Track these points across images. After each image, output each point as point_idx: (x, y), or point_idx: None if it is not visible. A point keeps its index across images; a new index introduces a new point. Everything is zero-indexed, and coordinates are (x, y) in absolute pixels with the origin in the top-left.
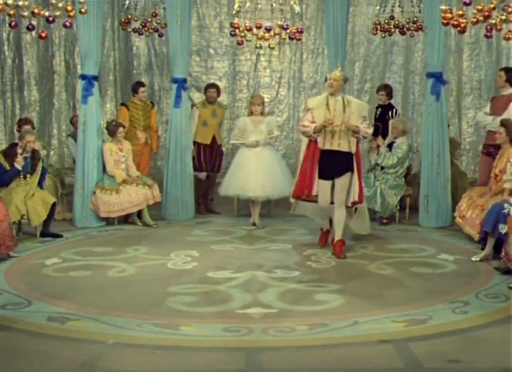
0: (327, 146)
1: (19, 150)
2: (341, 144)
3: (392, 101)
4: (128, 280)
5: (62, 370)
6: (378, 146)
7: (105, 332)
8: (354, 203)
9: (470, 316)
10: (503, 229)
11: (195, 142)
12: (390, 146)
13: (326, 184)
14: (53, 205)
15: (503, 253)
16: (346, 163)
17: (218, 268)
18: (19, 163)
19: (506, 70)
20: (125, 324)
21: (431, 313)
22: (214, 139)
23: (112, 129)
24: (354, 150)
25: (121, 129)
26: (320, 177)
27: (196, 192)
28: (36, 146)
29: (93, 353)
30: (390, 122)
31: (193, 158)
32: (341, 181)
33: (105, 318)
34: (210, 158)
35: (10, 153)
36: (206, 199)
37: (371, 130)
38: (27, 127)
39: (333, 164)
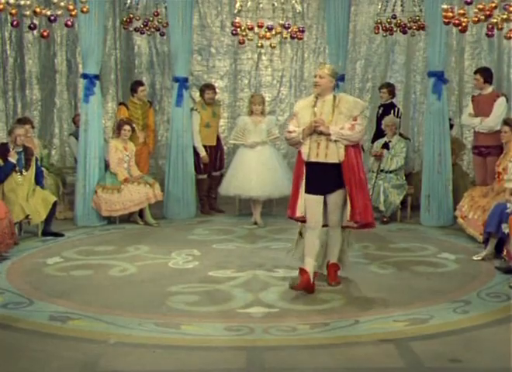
0: (312, 158)
1: (11, 145)
2: (329, 154)
3: (394, 100)
4: (129, 279)
5: (63, 369)
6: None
7: (106, 332)
8: (363, 225)
9: (471, 316)
10: (505, 228)
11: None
12: (387, 146)
13: (316, 199)
14: (54, 204)
15: (504, 252)
16: (337, 177)
17: (219, 267)
18: (12, 157)
19: (482, 71)
20: (126, 323)
21: (432, 312)
22: (218, 138)
23: (120, 123)
24: (342, 159)
25: (127, 127)
26: (307, 191)
27: (199, 191)
28: (27, 141)
29: (94, 353)
30: (383, 122)
31: (194, 161)
32: (333, 200)
33: (107, 318)
34: (215, 158)
35: (1, 150)
36: (210, 197)
37: (351, 132)
38: (27, 126)
39: (322, 179)
